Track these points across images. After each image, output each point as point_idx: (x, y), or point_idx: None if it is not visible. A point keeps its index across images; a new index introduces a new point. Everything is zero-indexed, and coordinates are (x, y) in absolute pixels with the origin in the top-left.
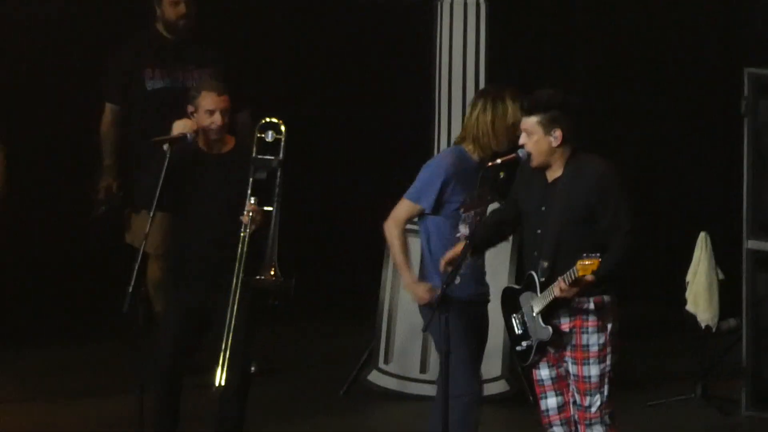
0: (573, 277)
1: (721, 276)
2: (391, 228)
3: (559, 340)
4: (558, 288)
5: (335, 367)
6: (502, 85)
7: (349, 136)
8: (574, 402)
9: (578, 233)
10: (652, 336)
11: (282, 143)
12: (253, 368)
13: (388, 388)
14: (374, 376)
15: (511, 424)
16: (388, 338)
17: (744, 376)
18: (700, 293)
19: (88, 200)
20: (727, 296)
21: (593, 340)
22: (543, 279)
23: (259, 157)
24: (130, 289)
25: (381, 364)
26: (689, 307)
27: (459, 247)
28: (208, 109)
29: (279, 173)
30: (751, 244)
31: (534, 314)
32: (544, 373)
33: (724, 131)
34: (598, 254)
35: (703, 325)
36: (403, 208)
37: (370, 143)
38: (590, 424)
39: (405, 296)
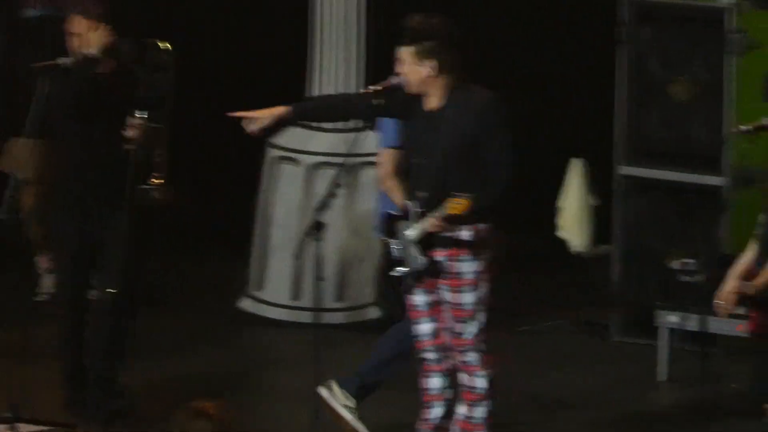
0: (443, 214)
1: (593, 202)
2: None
3: (435, 268)
4: (430, 223)
5: (209, 296)
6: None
7: (233, 65)
8: (450, 329)
9: (460, 165)
10: (525, 263)
11: (171, 62)
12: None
13: (262, 315)
14: (248, 304)
15: None
16: (261, 265)
17: (614, 301)
18: (572, 219)
19: None
20: (599, 222)
21: (468, 268)
22: (420, 209)
23: (147, 77)
24: (3, 216)
25: (255, 292)
26: (561, 233)
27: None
28: (76, 33)
29: (167, 93)
30: (623, 169)
31: (409, 243)
32: (419, 299)
33: (599, 58)
34: (468, 195)
35: (575, 251)
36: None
37: (250, 75)
38: (464, 351)
39: (278, 225)
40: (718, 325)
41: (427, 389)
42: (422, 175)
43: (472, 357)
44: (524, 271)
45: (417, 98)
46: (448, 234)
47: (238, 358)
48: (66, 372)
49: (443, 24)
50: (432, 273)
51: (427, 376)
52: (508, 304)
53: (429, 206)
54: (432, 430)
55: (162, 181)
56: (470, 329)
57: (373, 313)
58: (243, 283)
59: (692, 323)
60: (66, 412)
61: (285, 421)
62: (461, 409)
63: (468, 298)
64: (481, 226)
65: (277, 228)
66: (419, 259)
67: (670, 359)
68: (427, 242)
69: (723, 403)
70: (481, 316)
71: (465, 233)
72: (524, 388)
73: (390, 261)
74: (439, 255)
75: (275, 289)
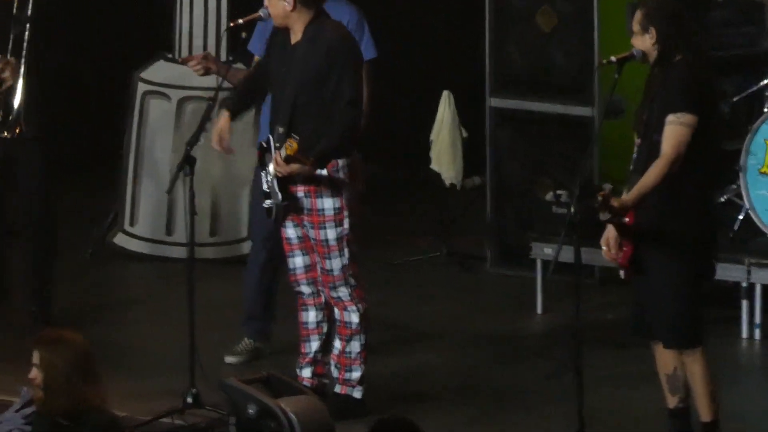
0: (282, 155)
1: (464, 134)
2: None
3: (295, 204)
4: (274, 163)
5: (81, 229)
6: None
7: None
8: (317, 265)
9: (311, 100)
10: (398, 196)
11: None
12: None
13: (134, 251)
14: (120, 239)
15: None
16: (133, 200)
17: (488, 233)
18: (444, 152)
19: None
20: (471, 154)
21: (328, 204)
22: (278, 144)
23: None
24: None
25: (127, 226)
26: (433, 166)
27: None
28: None
29: (28, 28)
30: (493, 101)
31: (270, 177)
32: (290, 232)
33: None
34: (298, 137)
35: (447, 183)
36: None
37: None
38: (335, 287)
39: (150, 158)
40: (592, 257)
41: (303, 323)
42: (279, 110)
43: (342, 292)
44: (398, 204)
45: (285, 32)
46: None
47: (108, 291)
48: None
49: None
50: (293, 208)
51: (303, 310)
52: (382, 238)
53: (284, 141)
54: (310, 364)
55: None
56: (336, 264)
57: (247, 248)
58: (115, 216)
59: (566, 255)
60: None
61: (158, 357)
62: (337, 344)
63: (330, 234)
64: (341, 161)
65: (148, 163)
66: (278, 195)
67: (544, 290)
68: (286, 177)
69: (597, 334)
70: (347, 252)
71: (323, 169)
72: (395, 320)
73: (263, 193)
74: (299, 191)
75: (148, 224)
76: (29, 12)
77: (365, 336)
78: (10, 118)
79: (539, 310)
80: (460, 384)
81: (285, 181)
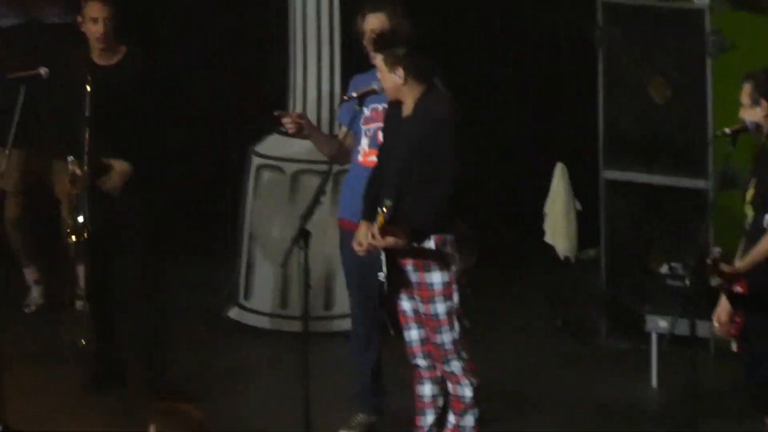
0: (377, 226)
1: (578, 206)
2: None
3: (402, 278)
4: (370, 236)
5: (196, 302)
6: None
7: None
8: (429, 339)
9: (414, 174)
10: (513, 267)
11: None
12: None
13: (250, 324)
14: (235, 313)
15: None
16: (248, 274)
17: (603, 305)
18: (558, 224)
19: None
20: (585, 227)
21: (437, 278)
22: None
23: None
24: None
25: (242, 300)
26: (547, 239)
27: None
28: (92, 17)
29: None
30: (607, 174)
31: (381, 251)
32: (405, 305)
33: (578, 61)
34: (387, 202)
35: (562, 256)
36: None
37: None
38: (447, 361)
39: (264, 231)
40: (707, 329)
41: (419, 396)
42: (385, 183)
43: (455, 366)
44: (512, 275)
45: (399, 105)
46: (416, 243)
47: (226, 364)
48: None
49: (408, 31)
50: (401, 282)
51: (419, 383)
52: (497, 308)
53: (393, 214)
54: None
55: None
56: (447, 338)
57: None
58: (230, 292)
59: (682, 328)
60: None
61: (268, 426)
62: (451, 418)
63: (440, 308)
64: (448, 236)
65: (263, 236)
66: (383, 267)
67: (659, 363)
68: (397, 251)
69: (714, 405)
70: (457, 326)
71: (431, 243)
72: (509, 390)
73: (379, 268)
74: (407, 264)
75: (262, 298)
76: (86, 113)
77: (478, 410)
78: (79, 222)
79: (654, 383)
80: None
81: (393, 255)
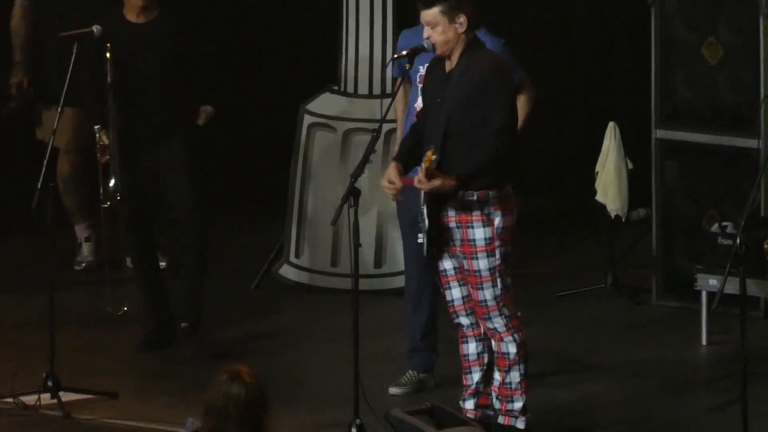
0: (422, 168)
1: (630, 166)
2: None
3: (449, 234)
4: (417, 180)
5: (246, 261)
6: None
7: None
8: (472, 296)
9: (462, 128)
10: (563, 227)
11: None
12: (163, 264)
13: (299, 282)
14: (285, 270)
15: None
16: (298, 232)
17: (654, 265)
18: (609, 183)
19: None
20: (636, 186)
21: (479, 234)
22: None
23: None
24: (39, 185)
25: (292, 258)
26: (599, 198)
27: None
28: None
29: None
30: (659, 133)
31: (421, 207)
32: (446, 264)
33: (631, 20)
34: (433, 146)
35: (612, 215)
36: None
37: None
38: (489, 318)
39: (315, 189)
40: (757, 288)
41: (464, 355)
42: (431, 138)
43: (498, 323)
44: (563, 235)
45: (441, 63)
46: (459, 198)
47: (273, 323)
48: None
49: None
50: (449, 238)
51: (464, 342)
52: (546, 269)
53: (438, 169)
54: (473, 395)
55: None
56: (489, 295)
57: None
58: (281, 248)
59: (732, 286)
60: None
61: (323, 388)
62: (497, 375)
63: (483, 264)
64: (491, 192)
65: (314, 195)
66: (425, 222)
67: (709, 322)
68: (440, 206)
69: (763, 366)
70: (500, 282)
71: (473, 198)
72: (561, 352)
73: (420, 228)
74: (451, 221)
75: (313, 256)
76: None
77: (524, 365)
78: (110, 188)
79: (704, 342)
80: (628, 416)
81: (433, 211)
